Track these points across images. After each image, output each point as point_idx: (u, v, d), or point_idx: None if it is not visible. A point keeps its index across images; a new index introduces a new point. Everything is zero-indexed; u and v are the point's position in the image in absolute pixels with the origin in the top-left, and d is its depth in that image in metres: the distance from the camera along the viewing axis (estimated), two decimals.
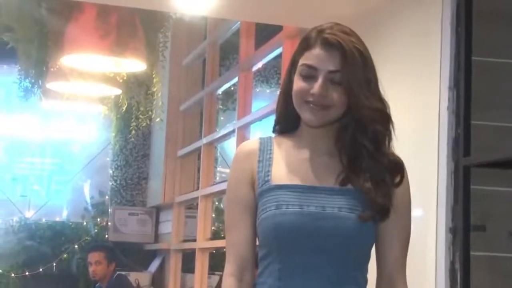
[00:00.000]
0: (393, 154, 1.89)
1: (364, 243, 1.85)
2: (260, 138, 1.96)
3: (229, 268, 1.89)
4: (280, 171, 1.88)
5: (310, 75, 1.85)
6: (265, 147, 1.93)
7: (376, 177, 1.84)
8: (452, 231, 3.11)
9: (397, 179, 1.87)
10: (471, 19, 3.15)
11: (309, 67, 1.85)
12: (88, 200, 8.08)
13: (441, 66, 3.24)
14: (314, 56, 1.85)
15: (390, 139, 1.89)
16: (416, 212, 3.44)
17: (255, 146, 1.93)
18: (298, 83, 1.86)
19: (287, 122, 1.95)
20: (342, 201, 1.83)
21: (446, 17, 3.24)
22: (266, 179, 1.88)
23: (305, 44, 1.88)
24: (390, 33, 3.75)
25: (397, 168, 1.87)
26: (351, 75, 1.82)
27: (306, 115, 1.86)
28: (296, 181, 1.86)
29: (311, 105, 1.85)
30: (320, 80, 1.83)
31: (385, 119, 1.87)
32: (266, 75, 7.49)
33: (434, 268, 3.16)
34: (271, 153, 1.92)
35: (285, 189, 1.85)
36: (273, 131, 1.98)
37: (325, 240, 1.81)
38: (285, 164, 1.90)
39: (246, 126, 5.81)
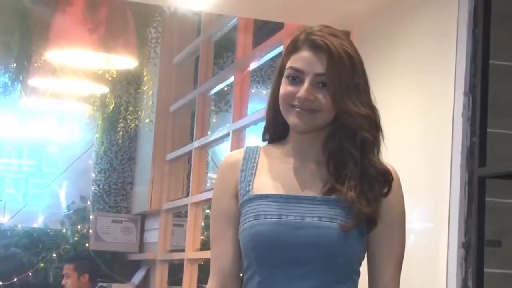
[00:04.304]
0: (381, 163, 1.92)
1: (349, 254, 1.87)
2: (246, 147, 2.02)
3: (211, 283, 1.96)
4: (263, 181, 1.93)
5: (297, 79, 1.90)
6: (250, 155, 1.99)
7: (361, 186, 1.87)
8: (465, 246, 3.12)
9: (385, 189, 1.91)
10: (489, 21, 3.17)
11: (296, 70, 1.90)
12: (65, 206, 8.06)
13: (456, 69, 3.26)
14: (301, 58, 1.90)
15: (378, 147, 1.93)
16: (426, 225, 3.46)
17: (239, 156, 1.99)
18: (284, 87, 1.91)
19: (276, 130, 2.00)
20: (324, 211, 1.87)
21: (462, 17, 3.25)
22: (247, 189, 1.93)
23: (293, 47, 1.93)
24: (401, 34, 3.76)
25: (385, 177, 1.91)
26: (338, 79, 1.87)
27: (292, 119, 1.91)
28: (278, 191, 1.91)
29: (297, 109, 1.89)
30: (306, 83, 1.88)
31: (373, 127, 1.91)
32: (262, 75, 7.48)
33: (445, 285, 3.17)
34: (255, 162, 1.97)
35: (265, 199, 1.90)
36: (263, 140, 2.03)
37: (305, 251, 1.85)
38: (269, 174, 1.95)
39: (241, 130, 5.80)
